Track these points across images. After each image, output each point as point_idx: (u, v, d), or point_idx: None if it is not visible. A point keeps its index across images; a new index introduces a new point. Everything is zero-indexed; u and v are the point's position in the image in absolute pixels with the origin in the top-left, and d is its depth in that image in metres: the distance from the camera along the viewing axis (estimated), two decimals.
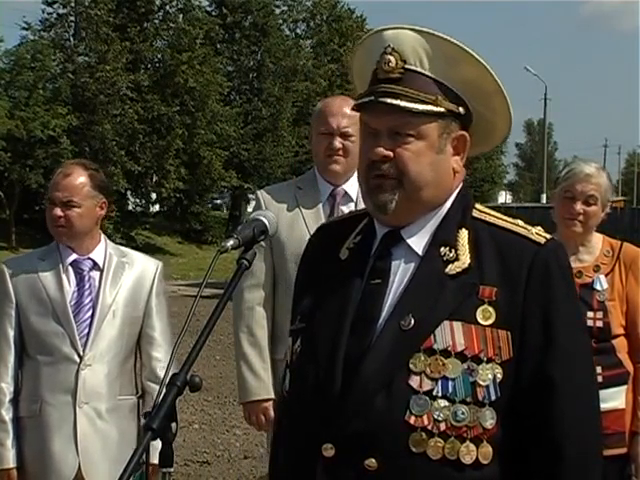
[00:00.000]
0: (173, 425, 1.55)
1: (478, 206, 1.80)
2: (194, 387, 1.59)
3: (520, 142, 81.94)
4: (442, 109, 1.71)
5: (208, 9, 34.22)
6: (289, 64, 34.13)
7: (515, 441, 1.66)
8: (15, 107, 25.28)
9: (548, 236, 1.74)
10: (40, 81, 26.41)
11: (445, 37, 1.74)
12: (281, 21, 37.10)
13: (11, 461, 3.05)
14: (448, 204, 1.77)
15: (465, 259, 1.70)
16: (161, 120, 28.54)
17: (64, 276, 3.11)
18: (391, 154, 1.71)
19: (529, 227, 1.76)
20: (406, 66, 1.72)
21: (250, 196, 32.16)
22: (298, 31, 39.06)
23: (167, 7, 31.45)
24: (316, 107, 3.58)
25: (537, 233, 1.74)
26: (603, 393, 3.19)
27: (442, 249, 1.72)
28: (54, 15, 28.92)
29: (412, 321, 1.65)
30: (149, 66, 30.79)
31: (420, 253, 1.74)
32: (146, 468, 1.61)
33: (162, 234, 31.22)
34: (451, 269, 1.69)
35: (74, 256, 3.13)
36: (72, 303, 3.09)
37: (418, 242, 1.75)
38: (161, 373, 3.20)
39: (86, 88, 27.11)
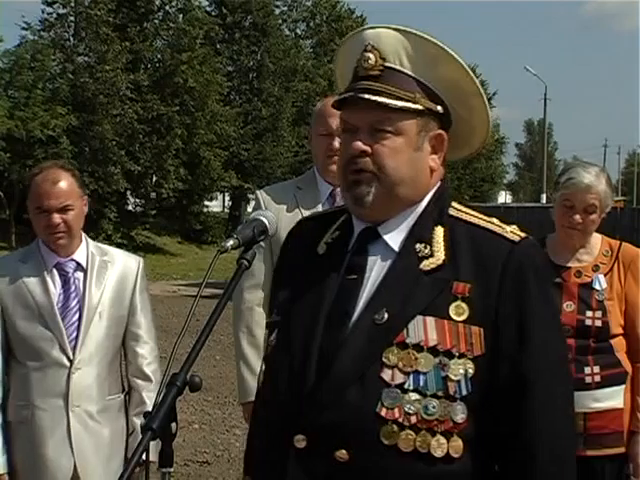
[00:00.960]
0: (173, 425, 1.56)
1: (455, 204, 1.82)
2: (194, 387, 1.59)
3: (520, 142, 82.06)
4: (421, 107, 1.74)
5: (208, 9, 34.20)
6: (289, 64, 34.11)
7: (488, 437, 1.68)
8: (15, 107, 25.25)
9: (523, 235, 1.77)
10: (40, 81, 26.37)
11: (426, 36, 1.76)
12: (281, 21, 37.07)
13: (1, 467, 3.02)
14: (425, 202, 1.80)
15: (440, 255, 1.73)
16: (161, 120, 28.50)
17: (49, 279, 3.07)
18: (369, 149, 1.73)
19: (504, 225, 1.79)
20: (386, 64, 1.75)
21: (250, 196, 32.15)
22: (298, 31, 39.06)
23: (167, 7, 31.39)
24: (315, 107, 3.59)
25: (512, 231, 1.77)
26: (601, 392, 3.24)
27: (418, 245, 1.75)
28: (54, 15, 28.88)
29: (386, 315, 1.68)
30: (149, 66, 30.74)
31: (396, 249, 1.76)
32: (146, 468, 1.61)
33: (162, 234, 31.20)
34: (426, 265, 1.72)
35: (57, 258, 3.09)
36: (59, 306, 3.06)
37: (394, 238, 1.77)
38: (147, 369, 3.22)
39: (86, 88, 27.07)
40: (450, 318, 1.68)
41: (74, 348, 3.04)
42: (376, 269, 1.75)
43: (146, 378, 3.21)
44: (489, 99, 48.15)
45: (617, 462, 3.28)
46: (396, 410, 1.64)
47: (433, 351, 1.66)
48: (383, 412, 1.64)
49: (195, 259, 27.08)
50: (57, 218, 3.02)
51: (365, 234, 1.80)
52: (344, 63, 1.87)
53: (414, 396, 1.65)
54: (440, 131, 1.78)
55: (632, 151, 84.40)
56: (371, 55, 1.75)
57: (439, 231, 1.76)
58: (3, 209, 26.68)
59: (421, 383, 1.65)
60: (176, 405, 1.56)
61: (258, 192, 3.54)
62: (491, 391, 1.67)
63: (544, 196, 34.00)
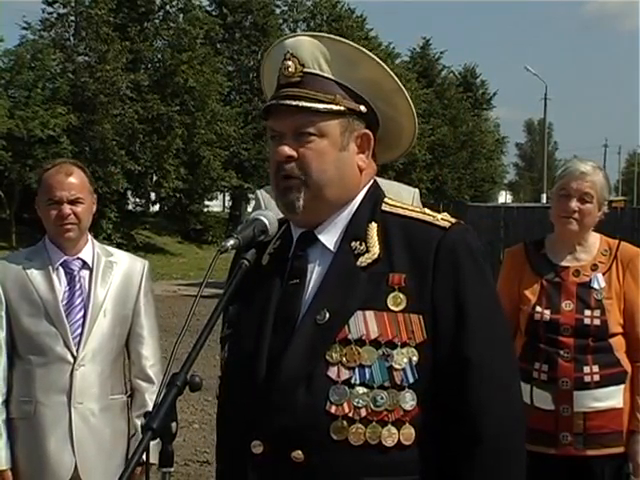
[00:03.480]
0: (173, 425, 1.56)
1: (388, 200, 1.87)
2: (194, 387, 1.60)
3: (520, 142, 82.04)
4: (342, 107, 1.79)
5: (208, 9, 34.18)
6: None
7: (436, 422, 1.72)
8: (15, 106, 25.24)
9: (453, 220, 1.81)
10: (40, 81, 26.37)
11: (342, 40, 1.83)
12: (281, 21, 37.06)
13: (4, 462, 3.05)
14: (357, 201, 1.84)
15: (375, 250, 1.77)
16: (161, 120, 28.50)
17: (54, 276, 3.10)
18: (295, 154, 1.78)
19: (435, 214, 1.83)
20: (305, 70, 1.81)
21: (250, 196, 32.14)
22: (298, 31, 39.03)
23: (167, 7, 31.38)
24: None
25: (442, 219, 1.81)
26: (601, 392, 3.24)
27: (353, 243, 1.79)
28: (54, 15, 28.87)
29: (327, 315, 1.72)
30: (149, 66, 30.74)
31: (333, 249, 1.80)
32: (146, 468, 1.61)
33: (162, 234, 31.20)
34: (362, 261, 1.76)
35: (64, 256, 3.13)
36: (64, 303, 3.09)
37: (330, 239, 1.82)
38: (150, 371, 3.23)
39: (86, 88, 27.07)
40: (389, 309, 1.72)
41: (78, 345, 3.07)
42: (316, 271, 1.80)
43: (149, 380, 3.23)
44: (489, 99, 48.32)
45: (616, 462, 3.28)
46: (345, 405, 1.68)
47: (375, 343, 1.70)
48: (333, 409, 1.68)
49: (195, 259, 27.07)
50: (67, 209, 3.07)
51: (303, 239, 1.84)
52: (269, 73, 1.92)
53: (361, 390, 1.68)
54: (365, 130, 1.83)
55: (632, 151, 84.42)
56: (290, 63, 1.81)
57: (372, 227, 1.80)
58: (3, 209, 26.67)
59: (367, 376, 1.69)
60: (176, 405, 1.57)
61: (258, 191, 3.54)
62: (436, 374, 1.72)
63: (544, 196, 33.98)
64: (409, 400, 1.69)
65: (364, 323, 1.71)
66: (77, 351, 3.06)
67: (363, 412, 1.68)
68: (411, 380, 1.70)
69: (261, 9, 34.01)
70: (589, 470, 3.25)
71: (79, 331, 3.08)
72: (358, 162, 1.83)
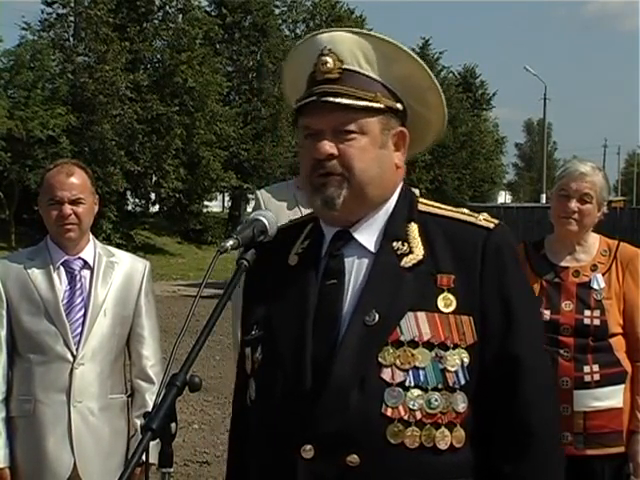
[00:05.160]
0: (173, 425, 1.56)
1: (422, 200, 1.85)
2: (194, 387, 1.59)
3: (520, 142, 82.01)
4: (382, 105, 1.76)
5: (208, 9, 34.19)
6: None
7: (484, 423, 1.72)
8: (14, 107, 25.24)
9: (496, 221, 1.80)
10: (39, 81, 26.37)
11: (380, 36, 1.80)
12: (281, 21, 37.07)
13: (2, 460, 3.05)
14: (394, 200, 1.82)
15: (419, 251, 1.75)
16: (160, 120, 28.50)
17: (55, 275, 3.11)
18: (336, 152, 1.74)
19: (475, 214, 1.82)
20: (344, 66, 1.77)
21: (250, 196, 32.14)
22: (298, 31, 39.00)
23: (167, 7, 31.40)
24: None
25: (485, 219, 1.80)
26: (601, 392, 3.24)
27: (395, 244, 1.76)
28: (53, 15, 28.90)
29: (376, 316, 1.69)
30: (148, 66, 30.75)
31: (372, 250, 1.78)
32: (145, 468, 1.61)
33: (161, 234, 31.20)
34: (406, 262, 1.74)
35: (65, 256, 3.14)
36: (64, 302, 3.10)
37: (369, 239, 1.79)
38: (150, 371, 3.23)
39: (85, 88, 27.08)
40: (439, 310, 1.70)
41: (78, 344, 3.07)
42: (355, 271, 1.76)
43: (149, 380, 3.23)
44: (489, 99, 48.34)
45: (617, 461, 3.28)
46: (401, 408, 1.66)
47: (428, 345, 1.68)
48: (389, 412, 1.66)
49: (195, 259, 27.08)
50: (69, 209, 3.07)
51: (338, 238, 1.80)
52: (297, 69, 1.87)
53: (416, 392, 1.67)
54: (402, 128, 1.81)
55: (632, 151, 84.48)
56: (329, 59, 1.77)
57: (413, 227, 1.78)
58: (2, 209, 26.66)
59: (421, 378, 1.67)
60: (176, 405, 1.56)
61: (258, 192, 3.54)
62: (485, 374, 1.71)
63: (544, 196, 33.99)
64: (461, 402, 1.69)
65: (416, 324, 1.69)
66: (77, 350, 3.07)
67: (418, 415, 1.66)
68: (462, 382, 1.69)
69: (260, 9, 34.01)
70: (589, 470, 3.25)
71: (79, 330, 3.09)
72: (395, 160, 1.81)
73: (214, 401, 8.37)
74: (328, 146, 1.74)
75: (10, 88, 26.28)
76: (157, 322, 3.33)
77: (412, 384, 1.67)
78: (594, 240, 3.40)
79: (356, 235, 1.79)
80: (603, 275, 3.30)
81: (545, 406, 1.74)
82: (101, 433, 3.12)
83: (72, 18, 29.02)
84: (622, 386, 3.27)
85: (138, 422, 3.14)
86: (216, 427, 7.49)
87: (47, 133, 25.09)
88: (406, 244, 1.76)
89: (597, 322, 3.24)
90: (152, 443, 1.52)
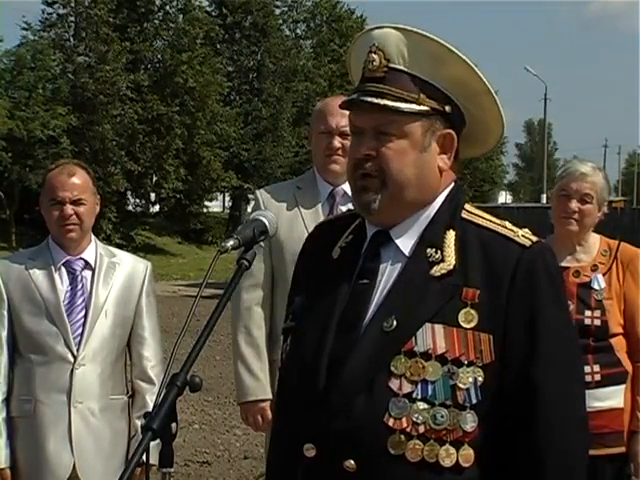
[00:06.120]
0: (173, 425, 1.55)
1: (468, 207, 1.80)
2: (194, 387, 1.59)
3: (520, 142, 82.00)
4: (425, 107, 1.72)
5: (208, 9, 34.18)
6: (289, 64, 34.10)
7: (498, 445, 1.66)
8: (15, 107, 25.25)
9: (535, 239, 1.74)
10: (40, 81, 26.38)
11: (430, 36, 1.74)
12: (281, 21, 37.06)
13: (3, 461, 3.05)
14: (437, 204, 1.78)
15: (451, 260, 1.70)
16: (161, 120, 28.51)
17: (56, 276, 3.11)
18: (374, 153, 1.72)
19: (516, 229, 1.76)
20: (390, 65, 1.74)
21: (250, 196, 32.13)
22: (298, 31, 39.03)
23: (167, 7, 31.43)
24: (315, 107, 3.59)
25: (523, 235, 1.74)
26: (601, 392, 3.23)
27: (429, 250, 1.72)
28: (54, 15, 28.92)
29: (394, 323, 1.66)
30: (149, 66, 30.75)
31: (407, 254, 1.74)
32: (146, 469, 1.61)
33: (162, 234, 31.20)
34: (436, 270, 1.70)
35: (66, 256, 3.14)
36: (65, 303, 3.09)
37: (406, 243, 1.75)
38: (151, 372, 3.23)
39: (86, 88, 27.08)
40: (459, 325, 1.65)
41: (78, 344, 3.07)
42: (387, 274, 1.74)
43: (150, 381, 3.22)
44: None
45: (617, 462, 3.29)
46: (404, 420, 1.62)
47: (441, 359, 1.64)
48: (391, 422, 1.62)
49: (195, 259, 27.08)
50: (70, 209, 3.07)
51: (377, 238, 1.78)
52: (355, 62, 1.85)
53: (422, 405, 1.62)
54: (449, 130, 1.75)
55: (632, 151, 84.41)
56: (375, 56, 1.74)
57: (450, 235, 1.73)
58: (3, 209, 26.67)
59: (429, 392, 1.63)
60: (176, 405, 1.56)
61: (258, 192, 3.54)
62: (501, 396, 1.65)
63: (544, 196, 33.97)
64: (470, 421, 1.63)
65: (432, 337, 1.64)
66: (77, 351, 3.07)
67: (421, 429, 1.62)
68: (474, 401, 1.63)
69: (261, 9, 34.00)
70: (590, 470, 3.20)
71: (80, 331, 3.09)
72: (439, 163, 1.75)
73: (214, 401, 8.36)
74: (366, 146, 1.72)
75: (11, 88, 26.29)
76: (158, 323, 3.33)
77: (419, 397, 1.62)
78: (594, 240, 3.40)
79: (394, 237, 1.76)
80: (604, 275, 3.31)
81: (567, 442, 1.65)
82: (101, 434, 3.11)
83: (73, 18, 29.04)
84: (623, 386, 3.27)
85: (139, 423, 3.14)
86: (216, 427, 7.50)
87: (48, 133, 25.10)
88: (439, 252, 1.71)
89: (598, 322, 3.24)
90: (152, 443, 1.51)
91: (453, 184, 1.81)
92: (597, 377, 3.22)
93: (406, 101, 1.71)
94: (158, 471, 1.60)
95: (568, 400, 1.69)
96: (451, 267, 1.69)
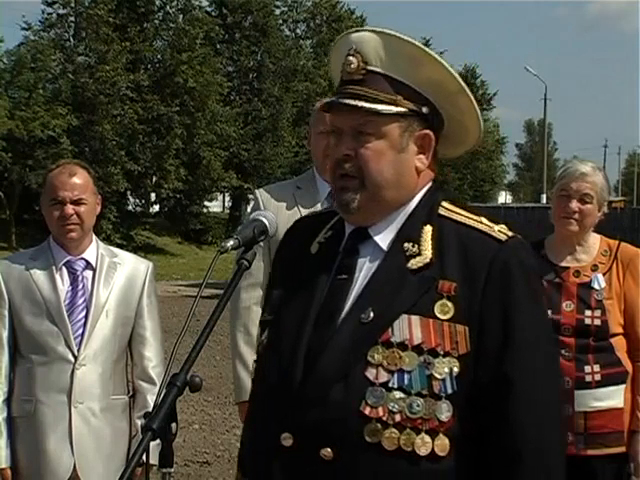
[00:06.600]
0: (173, 425, 1.56)
1: (445, 204, 1.83)
2: (194, 387, 1.59)
3: (520, 142, 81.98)
4: (403, 109, 1.76)
5: (208, 9, 34.18)
6: (289, 64, 34.11)
7: (474, 436, 1.68)
8: (15, 107, 25.26)
9: (511, 234, 1.77)
10: (40, 81, 26.39)
11: (407, 39, 1.79)
12: (281, 21, 37.07)
13: (4, 461, 3.05)
14: (415, 202, 1.82)
15: (427, 254, 1.74)
16: (161, 120, 28.51)
17: (57, 276, 3.11)
18: (352, 153, 1.76)
19: (492, 224, 1.79)
20: (368, 67, 1.78)
21: (250, 196, 32.13)
22: (298, 31, 39.04)
23: (167, 7, 31.42)
24: (314, 107, 3.58)
25: (500, 231, 1.77)
26: (602, 391, 3.24)
27: (406, 244, 1.76)
28: (54, 15, 28.92)
29: (372, 314, 1.70)
30: (149, 66, 30.75)
31: (385, 249, 1.78)
32: (146, 469, 1.61)
33: (162, 234, 31.21)
34: (413, 264, 1.73)
35: (68, 256, 3.14)
36: (66, 303, 3.09)
37: (384, 239, 1.79)
38: (152, 372, 3.23)
39: (86, 88, 27.08)
40: (435, 317, 1.69)
41: (79, 344, 3.07)
42: (365, 269, 1.77)
43: (151, 381, 3.23)
44: (489, 99, 48.27)
45: (617, 462, 3.29)
46: (380, 409, 1.65)
47: (417, 350, 1.67)
48: (367, 410, 1.65)
49: (195, 259, 27.08)
50: (70, 209, 3.08)
51: (355, 235, 1.82)
52: (335, 65, 1.90)
53: (398, 394, 1.66)
54: (426, 131, 1.79)
55: (632, 151, 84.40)
56: (353, 59, 1.78)
57: (427, 230, 1.77)
58: (3, 209, 26.67)
59: (405, 381, 1.66)
60: (176, 405, 1.56)
61: (257, 191, 3.54)
62: (476, 388, 1.68)
63: (544, 196, 33.99)
64: (445, 411, 1.66)
65: (408, 328, 1.68)
66: (78, 351, 3.07)
67: (398, 417, 1.65)
68: (449, 391, 1.66)
69: (261, 9, 34.01)
70: (590, 470, 3.25)
71: (80, 331, 3.09)
72: (417, 163, 1.80)
73: (214, 401, 8.37)
74: (345, 147, 1.76)
75: (11, 88, 26.29)
76: (159, 323, 3.33)
77: (396, 386, 1.66)
78: (595, 240, 3.40)
79: (373, 234, 1.80)
80: (604, 275, 3.31)
81: (540, 434, 1.67)
82: (102, 434, 3.11)
83: (73, 18, 29.06)
84: (623, 386, 3.27)
85: (139, 423, 3.14)
86: (216, 427, 7.50)
87: (48, 133, 25.10)
88: (416, 246, 1.75)
89: (598, 322, 3.24)
90: (153, 443, 1.52)
91: (431, 183, 1.85)
92: (597, 377, 3.22)
93: (383, 102, 1.75)
94: (158, 471, 1.60)
95: (544, 397, 1.71)
96: (428, 260, 1.73)
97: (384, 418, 1.65)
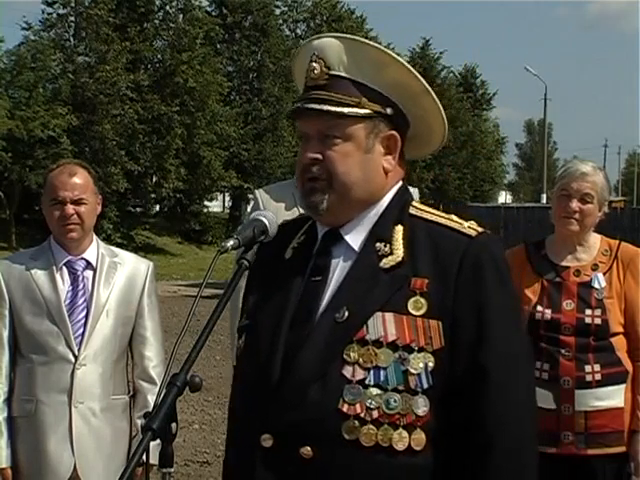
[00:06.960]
0: (173, 425, 1.56)
1: (415, 204, 1.87)
2: (194, 387, 1.59)
3: (520, 142, 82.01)
4: (367, 111, 1.80)
5: (208, 9, 34.17)
6: (289, 64, 33.93)
7: (449, 430, 1.71)
8: (15, 107, 25.24)
9: (480, 229, 1.81)
10: (40, 81, 26.38)
11: (369, 43, 1.83)
12: (281, 21, 37.07)
13: (4, 461, 3.06)
14: (385, 202, 1.85)
15: (399, 253, 1.77)
16: (161, 120, 28.50)
17: (58, 276, 3.12)
18: (320, 156, 1.80)
19: (462, 222, 1.83)
20: (330, 72, 1.81)
21: (250, 196, 32.12)
22: (298, 31, 39.01)
23: (167, 7, 31.39)
24: None
25: (470, 227, 1.81)
26: (602, 391, 3.25)
27: (378, 244, 1.79)
28: (54, 15, 28.89)
29: (346, 313, 1.73)
30: (149, 66, 30.74)
31: (357, 249, 1.81)
32: (146, 469, 1.61)
33: (162, 234, 31.20)
34: (385, 263, 1.76)
35: (68, 256, 3.14)
36: (66, 303, 3.10)
37: (356, 239, 1.83)
38: (153, 372, 3.24)
39: (86, 88, 27.08)
40: (409, 313, 1.71)
41: (80, 344, 3.07)
42: (339, 269, 1.80)
43: (151, 381, 3.23)
44: (489, 99, 48.28)
45: (618, 461, 3.29)
46: (357, 406, 1.69)
47: (392, 346, 1.70)
48: (345, 408, 1.68)
49: (195, 259, 27.08)
50: (71, 209, 3.08)
51: (328, 237, 1.85)
52: (299, 73, 1.93)
53: (375, 391, 1.69)
54: (392, 132, 1.83)
55: (632, 151, 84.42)
56: (316, 65, 1.82)
57: (399, 230, 1.80)
58: (3, 209, 26.67)
59: (381, 378, 1.69)
60: (176, 405, 1.56)
61: (257, 191, 3.54)
62: (452, 381, 1.71)
63: (544, 196, 34.01)
64: (421, 406, 1.69)
65: (383, 325, 1.71)
66: (79, 351, 3.07)
67: (375, 414, 1.68)
68: (425, 386, 1.70)
69: (261, 9, 34.01)
70: (590, 470, 3.25)
71: (81, 331, 3.09)
72: (384, 164, 1.83)
73: (214, 401, 8.37)
74: (312, 151, 1.80)
75: (11, 88, 26.28)
76: (160, 323, 3.33)
77: (372, 383, 1.69)
78: (595, 240, 3.40)
79: (344, 234, 1.83)
80: (604, 274, 3.31)
81: (514, 424, 1.70)
82: (103, 434, 3.12)
83: (73, 18, 29.03)
84: (623, 386, 3.27)
85: (140, 423, 3.14)
86: (216, 427, 7.49)
87: (48, 133, 25.09)
88: (388, 245, 1.78)
89: (598, 321, 3.24)
90: (153, 443, 1.52)
91: (400, 183, 1.88)
92: (597, 376, 3.22)
93: (348, 105, 1.78)
94: (158, 471, 1.60)
95: (519, 386, 1.74)
96: (399, 259, 1.76)
97: (362, 415, 1.68)
